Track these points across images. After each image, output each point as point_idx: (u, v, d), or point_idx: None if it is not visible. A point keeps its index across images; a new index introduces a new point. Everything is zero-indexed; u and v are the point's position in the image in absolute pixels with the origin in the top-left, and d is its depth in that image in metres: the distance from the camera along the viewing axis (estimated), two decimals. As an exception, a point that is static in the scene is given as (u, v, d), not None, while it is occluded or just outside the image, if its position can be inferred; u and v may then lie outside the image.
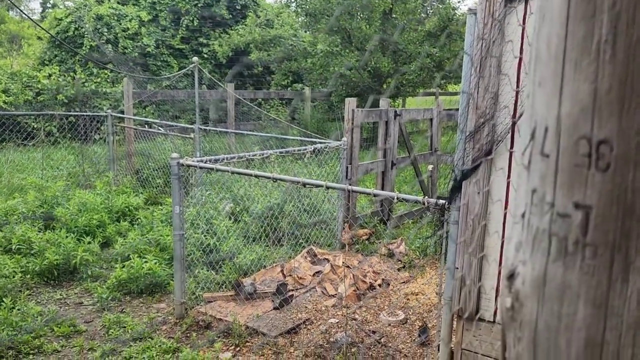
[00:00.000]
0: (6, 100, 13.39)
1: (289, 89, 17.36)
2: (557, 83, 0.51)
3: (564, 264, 0.50)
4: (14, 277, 5.22)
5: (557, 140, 0.51)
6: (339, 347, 4.25)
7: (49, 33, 12.24)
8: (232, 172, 4.46)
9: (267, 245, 6.25)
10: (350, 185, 6.37)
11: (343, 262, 5.92)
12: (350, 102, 7.06)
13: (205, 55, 17.78)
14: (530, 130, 0.54)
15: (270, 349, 4.27)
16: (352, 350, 4.22)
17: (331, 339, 4.41)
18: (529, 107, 0.54)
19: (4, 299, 4.71)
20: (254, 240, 6.24)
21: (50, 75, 15.11)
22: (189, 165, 4.69)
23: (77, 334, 4.52)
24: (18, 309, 4.66)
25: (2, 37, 29.47)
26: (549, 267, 0.51)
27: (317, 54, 14.75)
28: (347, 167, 6.82)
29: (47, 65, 16.52)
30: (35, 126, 12.39)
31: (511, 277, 0.56)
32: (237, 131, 10.36)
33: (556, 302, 0.50)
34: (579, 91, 0.49)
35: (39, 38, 22.77)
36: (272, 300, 5.01)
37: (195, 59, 9.37)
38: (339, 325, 4.66)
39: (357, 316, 4.90)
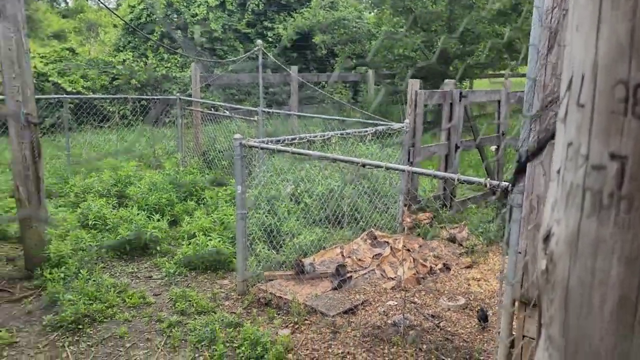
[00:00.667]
0: (84, 85, 14.17)
1: (352, 71, 17.26)
2: (594, 23, 0.47)
3: (598, 219, 0.47)
4: (90, 250, 5.55)
5: (593, 87, 0.47)
6: (397, 329, 4.24)
7: (123, 20, 12.80)
8: (292, 153, 4.51)
9: (327, 227, 6.29)
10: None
11: (403, 246, 5.87)
12: (414, 84, 6.93)
13: (270, 39, 17.97)
14: (567, 80, 0.50)
15: (328, 328, 4.32)
16: (410, 332, 4.19)
17: (389, 321, 4.40)
18: (567, 56, 0.50)
19: (81, 271, 5.03)
20: (314, 222, 6.30)
21: (124, 61, 15.82)
22: (250, 146, 4.78)
23: (146, 306, 4.77)
24: (93, 281, 4.96)
25: (81, 25, 31.11)
26: (583, 223, 0.48)
27: (381, 35, 14.53)
28: (409, 150, 6.73)
29: (121, 51, 17.31)
30: (110, 109, 13.05)
31: (546, 238, 0.53)
32: (299, 114, 10.45)
33: (589, 258, 0.47)
34: (616, 30, 0.45)
35: (115, 25, 23.85)
36: (331, 281, 5.06)
37: (259, 42, 9.49)
38: (397, 308, 4.64)
39: (416, 299, 4.86)
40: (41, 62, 14.68)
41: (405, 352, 3.99)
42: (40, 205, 5.36)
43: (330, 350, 4.03)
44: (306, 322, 4.44)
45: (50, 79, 13.92)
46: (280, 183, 7.05)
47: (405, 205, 6.76)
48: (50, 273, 4.98)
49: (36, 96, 9.77)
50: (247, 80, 13.57)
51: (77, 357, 3.93)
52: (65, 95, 10.62)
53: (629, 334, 0.46)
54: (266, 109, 9.41)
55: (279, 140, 5.03)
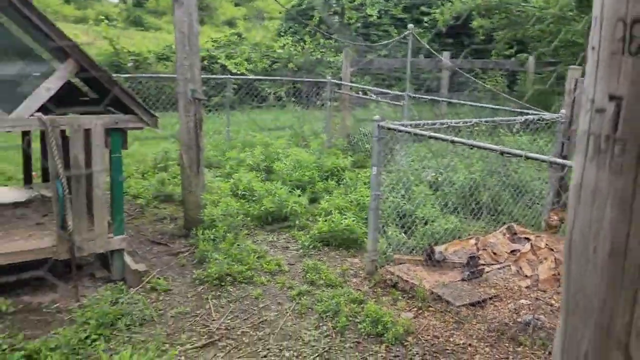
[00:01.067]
0: (247, 68, 15.31)
1: (512, 58, 16.26)
2: None
3: (597, 163, 0.44)
4: (237, 217, 6.06)
5: (600, 29, 0.44)
6: (526, 329, 4.01)
7: (284, 8, 13.56)
8: (430, 137, 4.46)
9: (465, 217, 6.10)
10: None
11: (546, 244, 5.48)
12: (573, 71, 6.35)
13: (426, 24, 17.65)
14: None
15: (452, 317, 4.24)
16: (540, 334, 3.94)
17: (519, 320, 4.18)
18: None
19: (228, 234, 5.53)
20: (451, 211, 6.16)
21: (284, 46, 16.75)
22: (389, 128, 4.81)
23: (281, 273, 5.11)
24: (238, 245, 5.43)
25: (251, 13, 33.50)
26: (586, 169, 0.45)
27: (546, 19, 13.45)
28: (562, 143, 6.21)
29: (282, 36, 18.33)
30: (268, 90, 13.96)
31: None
32: (448, 100, 10.17)
33: (588, 207, 0.45)
34: None
35: (279, 12, 25.26)
36: (461, 271, 4.93)
37: (410, 26, 9.40)
38: (530, 308, 4.38)
39: (553, 302, 4.53)
40: (213, 45, 16.16)
41: (532, 353, 3.76)
42: (199, 172, 5.98)
43: (451, 340, 3.96)
44: (430, 308, 4.40)
45: (219, 61, 15.28)
46: (420, 169, 6.98)
47: (553, 202, 6.28)
48: (202, 234, 5.55)
49: (205, 76, 10.79)
50: (398, 66, 13.53)
51: (217, 309, 4.36)
52: (229, 76, 11.59)
53: (618, 284, 0.43)
54: (413, 94, 9.32)
55: (418, 124, 4.99)
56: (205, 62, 14.70)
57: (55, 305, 4.29)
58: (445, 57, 12.01)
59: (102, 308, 4.01)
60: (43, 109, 4.30)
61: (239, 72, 14.88)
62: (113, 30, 15.08)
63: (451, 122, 5.34)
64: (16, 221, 5.01)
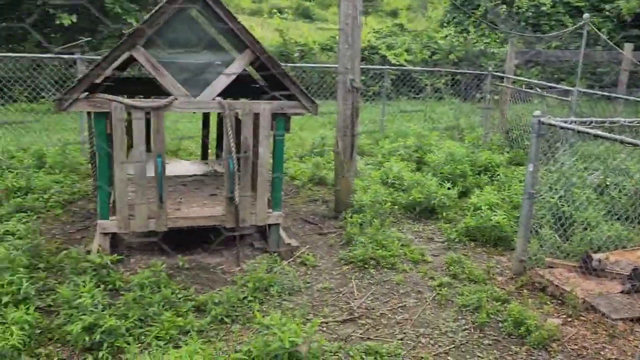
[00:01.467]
0: (407, 59, 15.31)
1: None
2: None
3: None
4: (385, 204, 6.22)
5: None
6: (696, 355, 3.58)
7: (449, -4, 13.30)
8: (595, 136, 4.15)
9: (633, 226, 5.55)
10: None
11: None
12: None
13: (608, 13, 15.94)
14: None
15: (605, 330, 3.95)
16: None
17: (688, 344, 3.74)
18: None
19: (374, 220, 5.72)
20: (617, 217, 5.63)
21: (446, 36, 16.41)
22: (549, 124, 4.57)
23: (423, 263, 5.17)
24: (383, 231, 5.59)
25: (414, 3, 33.21)
26: None
27: None
28: None
29: (445, 26, 17.96)
30: (425, 82, 13.84)
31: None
32: (624, 97, 9.15)
33: None
34: None
35: (445, 2, 24.71)
36: (623, 283, 4.53)
37: (586, 15, 8.63)
38: None
39: None
40: (374, 36, 16.44)
41: (700, 383, 3.37)
42: (352, 159, 6.25)
43: (602, 353, 3.70)
44: (581, 317, 4.13)
45: (379, 51, 15.51)
46: (585, 170, 6.47)
47: None
48: (351, 217, 5.81)
49: (364, 66, 11.07)
50: (569, 58, 12.48)
51: (359, 289, 4.59)
52: (386, 67, 11.74)
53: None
54: (584, 90, 8.58)
55: (584, 122, 4.65)
56: (366, 53, 15.03)
57: (220, 267, 4.87)
58: (627, 49, 10.77)
59: (258, 274, 4.46)
60: (221, 93, 4.87)
61: (397, 63, 14.96)
62: (284, 22, 16.12)
63: (624, 121, 4.89)
64: (194, 191, 5.76)
